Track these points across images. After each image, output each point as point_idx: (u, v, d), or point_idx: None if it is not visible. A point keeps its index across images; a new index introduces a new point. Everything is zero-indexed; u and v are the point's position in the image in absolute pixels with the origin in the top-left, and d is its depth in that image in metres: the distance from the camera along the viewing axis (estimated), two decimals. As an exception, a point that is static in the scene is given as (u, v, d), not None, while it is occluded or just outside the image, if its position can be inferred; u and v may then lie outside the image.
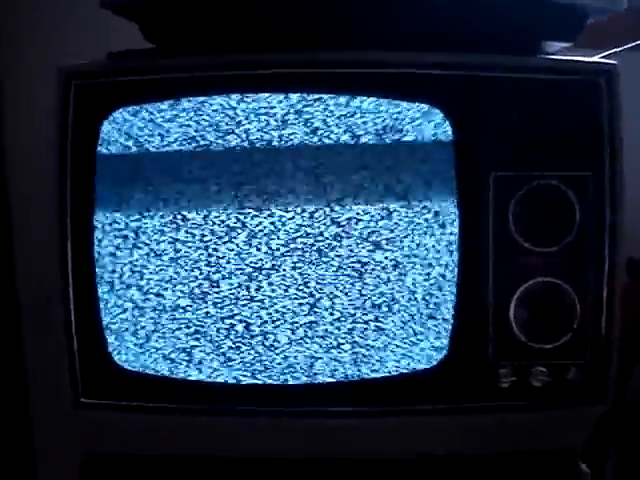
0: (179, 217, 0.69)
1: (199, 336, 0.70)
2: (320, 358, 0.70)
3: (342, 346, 0.70)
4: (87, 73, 0.70)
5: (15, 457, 1.08)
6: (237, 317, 0.70)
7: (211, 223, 0.69)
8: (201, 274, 0.70)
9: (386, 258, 0.69)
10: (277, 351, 0.70)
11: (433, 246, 0.69)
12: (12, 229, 1.06)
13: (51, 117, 0.70)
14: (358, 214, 0.69)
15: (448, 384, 0.70)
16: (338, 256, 0.69)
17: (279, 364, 0.70)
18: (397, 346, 0.70)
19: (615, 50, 0.90)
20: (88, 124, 0.69)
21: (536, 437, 0.72)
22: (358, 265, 0.69)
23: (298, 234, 0.69)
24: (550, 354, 0.70)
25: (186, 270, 0.70)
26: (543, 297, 0.69)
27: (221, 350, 0.70)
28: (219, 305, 0.70)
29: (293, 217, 0.69)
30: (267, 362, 0.70)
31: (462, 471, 0.73)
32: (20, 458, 1.09)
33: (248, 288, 0.69)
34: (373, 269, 0.69)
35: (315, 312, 0.70)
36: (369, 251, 0.69)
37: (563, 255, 0.69)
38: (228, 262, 0.69)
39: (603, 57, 0.87)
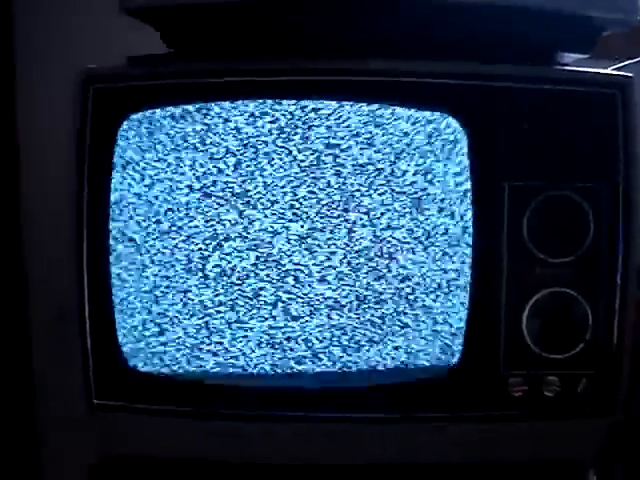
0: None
1: (216, 337, 0.71)
2: (329, 362, 0.71)
3: (355, 351, 0.70)
4: (105, 77, 0.71)
5: (21, 460, 1.08)
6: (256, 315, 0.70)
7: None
8: (220, 275, 0.70)
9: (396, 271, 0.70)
10: (294, 354, 0.70)
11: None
12: (22, 232, 1.06)
13: (68, 123, 0.71)
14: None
15: (460, 392, 0.71)
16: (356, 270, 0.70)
17: (296, 367, 0.70)
18: (410, 353, 0.70)
19: (631, 61, 0.91)
20: (106, 128, 0.70)
21: (546, 447, 0.72)
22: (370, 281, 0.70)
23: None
24: (562, 364, 0.70)
25: (203, 273, 0.70)
26: (556, 307, 0.70)
27: (238, 351, 0.71)
28: (239, 308, 0.70)
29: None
30: (284, 363, 0.71)
31: (471, 479, 0.73)
32: (26, 462, 1.09)
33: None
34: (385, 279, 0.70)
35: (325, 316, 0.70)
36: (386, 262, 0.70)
37: (576, 266, 0.70)
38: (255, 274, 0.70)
39: (619, 68, 0.88)
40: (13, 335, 1.06)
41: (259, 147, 0.69)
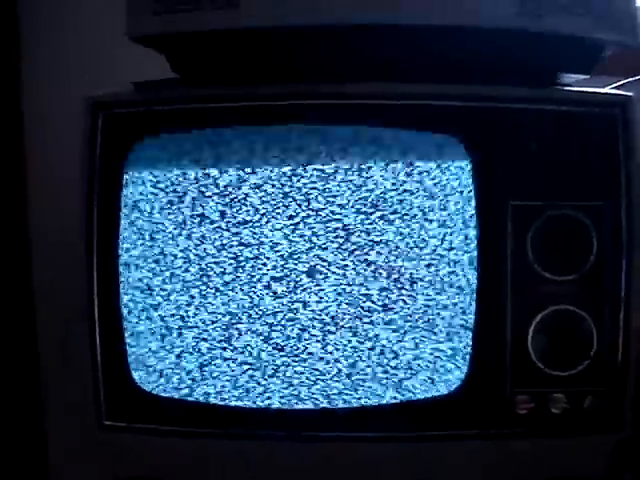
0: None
1: (225, 359, 0.71)
2: (336, 381, 0.71)
3: (360, 370, 0.71)
4: (115, 103, 0.72)
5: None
6: (260, 337, 0.71)
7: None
8: (227, 296, 0.71)
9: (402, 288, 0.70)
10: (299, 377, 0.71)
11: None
12: (31, 247, 1.07)
13: (76, 147, 0.72)
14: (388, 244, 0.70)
15: (466, 411, 0.71)
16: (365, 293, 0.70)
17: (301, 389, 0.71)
18: (415, 372, 0.71)
19: (630, 80, 0.91)
20: (115, 153, 0.71)
21: (554, 464, 0.72)
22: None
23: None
24: (568, 381, 0.70)
25: (211, 291, 0.71)
26: (561, 325, 0.70)
27: (245, 373, 0.71)
28: (244, 330, 0.71)
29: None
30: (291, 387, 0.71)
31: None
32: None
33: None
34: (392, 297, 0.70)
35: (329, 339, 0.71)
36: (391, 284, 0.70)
37: (580, 283, 0.70)
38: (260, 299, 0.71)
39: (618, 87, 0.89)
40: (21, 351, 1.06)
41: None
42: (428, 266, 0.70)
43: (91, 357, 0.72)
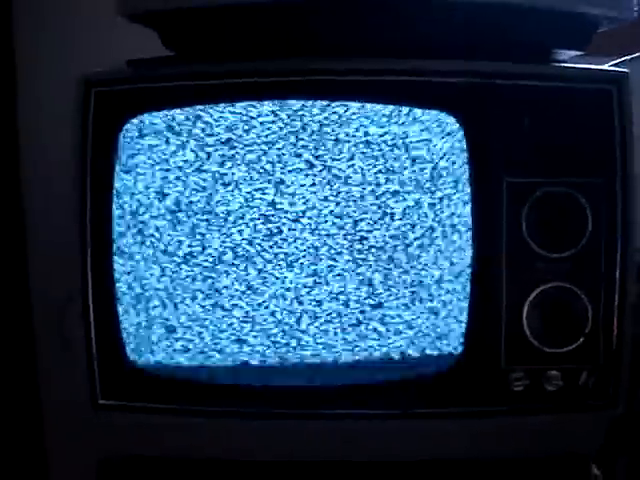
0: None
1: (219, 334, 0.71)
2: (331, 359, 0.71)
3: (356, 347, 0.71)
4: (107, 80, 0.71)
5: (27, 461, 1.09)
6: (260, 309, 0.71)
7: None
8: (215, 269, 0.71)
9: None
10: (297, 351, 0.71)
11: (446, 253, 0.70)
12: (27, 231, 1.07)
13: (69, 124, 0.72)
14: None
15: (461, 387, 0.71)
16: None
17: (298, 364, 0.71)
18: (410, 349, 0.71)
19: (626, 58, 0.91)
20: (107, 131, 0.71)
21: (548, 441, 0.72)
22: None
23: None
24: (563, 358, 0.70)
25: (209, 265, 0.71)
26: (555, 302, 0.70)
27: (241, 351, 0.71)
28: (242, 302, 0.71)
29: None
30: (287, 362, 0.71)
31: (474, 474, 0.74)
32: (32, 462, 1.10)
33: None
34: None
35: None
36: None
37: (575, 261, 0.70)
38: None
39: (614, 65, 0.88)
40: (16, 335, 1.06)
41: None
42: (422, 242, 0.70)
43: (85, 336, 0.72)
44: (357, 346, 0.71)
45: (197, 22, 0.71)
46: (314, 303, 0.70)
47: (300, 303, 0.70)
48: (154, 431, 0.73)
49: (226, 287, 0.71)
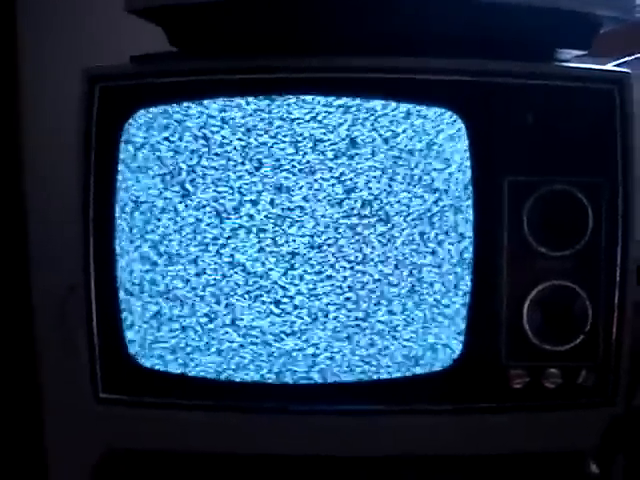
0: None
1: (218, 331, 0.71)
2: (333, 356, 0.71)
3: (357, 344, 0.71)
4: (111, 76, 0.72)
5: (27, 454, 1.09)
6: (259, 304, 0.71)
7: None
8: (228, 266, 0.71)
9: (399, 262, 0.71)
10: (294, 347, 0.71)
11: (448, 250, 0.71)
12: (28, 226, 1.07)
13: (74, 119, 0.72)
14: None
15: (461, 384, 0.71)
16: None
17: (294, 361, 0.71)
18: (411, 347, 0.71)
19: (628, 58, 0.91)
20: (111, 126, 0.71)
21: (547, 438, 0.73)
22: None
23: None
24: (562, 356, 0.71)
25: (213, 259, 0.71)
26: (556, 300, 0.70)
27: (241, 347, 0.72)
28: (242, 300, 0.71)
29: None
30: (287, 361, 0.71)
31: (473, 471, 0.74)
32: (31, 455, 1.10)
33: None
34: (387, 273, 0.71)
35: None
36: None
37: (576, 259, 0.70)
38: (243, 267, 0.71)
39: (616, 65, 0.89)
40: (17, 330, 1.07)
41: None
42: (423, 240, 0.70)
43: (87, 330, 0.72)
44: (357, 342, 0.71)
45: (200, 17, 0.71)
46: (313, 300, 0.71)
47: (300, 302, 0.71)
48: (155, 424, 0.74)
49: (227, 284, 0.71)
